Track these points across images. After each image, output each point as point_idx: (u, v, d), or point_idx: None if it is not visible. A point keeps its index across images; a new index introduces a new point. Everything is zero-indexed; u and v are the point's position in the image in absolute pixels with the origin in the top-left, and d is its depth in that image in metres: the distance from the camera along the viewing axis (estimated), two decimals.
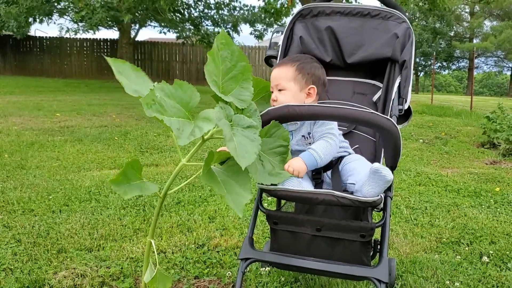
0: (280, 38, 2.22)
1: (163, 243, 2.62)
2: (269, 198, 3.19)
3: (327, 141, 1.73)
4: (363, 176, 1.60)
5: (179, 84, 1.40)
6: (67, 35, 18.73)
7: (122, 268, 2.30)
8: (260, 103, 1.84)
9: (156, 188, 1.46)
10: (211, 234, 2.78)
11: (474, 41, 39.21)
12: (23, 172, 4.17)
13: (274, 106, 1.82)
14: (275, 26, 16.33)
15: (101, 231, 2.78)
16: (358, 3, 10.50)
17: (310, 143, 1.79)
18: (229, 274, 2.28)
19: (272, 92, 1.86)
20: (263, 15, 17.59)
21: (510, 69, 41.32)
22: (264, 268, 2.28)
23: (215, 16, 19.25)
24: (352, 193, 1.63)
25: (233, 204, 1.37)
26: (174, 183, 3.90)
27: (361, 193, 1.57)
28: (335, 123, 1.82)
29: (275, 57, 2.19)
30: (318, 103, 2.11)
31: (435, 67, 29.38)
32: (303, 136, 1.82)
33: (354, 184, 1.63)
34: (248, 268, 1.93)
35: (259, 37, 19.38)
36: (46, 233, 2.73)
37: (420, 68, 41.56)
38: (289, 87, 1.83)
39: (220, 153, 1.49)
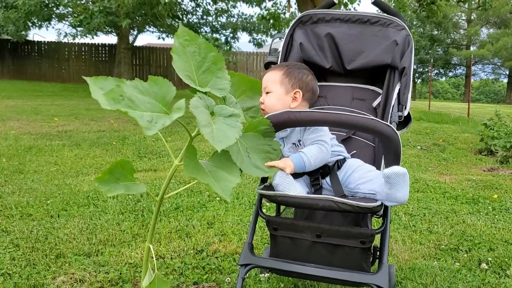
0: (280, 44, 2.23)
1: (162, 249, 2.62)
2: (268, 204, 3.19)
3: (319, 147, 1.73)
4: (379, 184, 1.61)
5: (153, 80, 1.39)
6: (66, 40, 18.80)
7: (120, 273, 2.30)
8: (246, 100, 1.83)
9: (143, 188, 1.45)
10: (210, 240, 2.78)
11: (471, 48, 39.39)
12: (21, 177, 4.16)
13: (261, 108, 1.84)
14: (274, 33, 16.39)
15: (100, 236, 2.77)
16: (355, 9, 10.55)
17: None
18: (228, 280, 2.27)
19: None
20: (262, 25, 17.68)
21: (507, 76, 41.49)
22: (263, 274, 2.28)
23: (214, 23, 19.34)
24: (373, 199, 1.63)
25: (220, 190, 1.35)
26: (173, 188, 3.90)
27: (395, 201, 1.58)
28: (326, 129, 1.82)
29: (275, 63, 2.20)
30: (316, 109, 2.12)
31: (432, 74, 29.48)
32: (293, 143, 1.83)
33: (374, 193, 1.64)
34: (247, 274, 1.93)
35: (258, 44, 19.46)
36: (44, 238, 2.73)
37: (417, 75, 41.70)
38: (275, 90, 1.85)
39: None
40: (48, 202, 3.41)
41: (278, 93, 1.85)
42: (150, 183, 4.05)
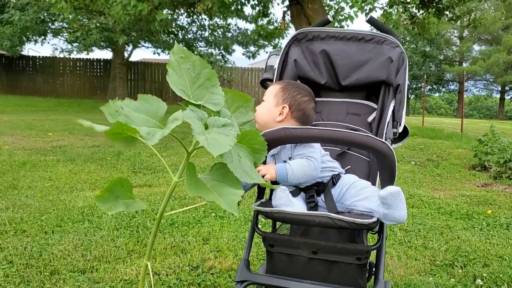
0: (275, 61, 2.25)
1: (157, 265, 2.60)
2: (264, 219, 3.18)
3: (307, 161, 1.74)
4: (376, 203, 1.62)
5: (143, 98, 1.41)
6: (61, 55, 18.85)
7: None
8: (239, 116, 1.85)
9: (144, 205, 1.45)
10: (205, 256, 2.77)
11: (464, 64, 39.81)
12: (15, 192, 4.13)
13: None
14: (270, 49, 16.50)
15: (94, 252, 2.76)
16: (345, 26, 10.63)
17: None
18: None
19: None
20: (256, 37, 17.80)
21: (499, 92, 41.90)
22: None
23: (209, 38, 19.45)
24: (369, 216, 1.64)
25: (226, 205, 1.35)
26: (168, 204, 3.88)
27: (394, 220, 1.58)
28: (317, 146, 1.83)
29: (271, 80, 2.22)
30: (311, 125, 2.13)
31: (425, 90, 29.75)
32: (284, 161, 1.83)
33: (371, 212, 1.65)
34: None
35: (252, 56, 19.57)
36: (38, 254, 2.71)
37: (411, 90, 41.99)
38: (268, 100, 1.90)
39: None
40: (42, 218, 3.39)
41: (269, 104, 1.89)
42: (146, 199, 4.04)
